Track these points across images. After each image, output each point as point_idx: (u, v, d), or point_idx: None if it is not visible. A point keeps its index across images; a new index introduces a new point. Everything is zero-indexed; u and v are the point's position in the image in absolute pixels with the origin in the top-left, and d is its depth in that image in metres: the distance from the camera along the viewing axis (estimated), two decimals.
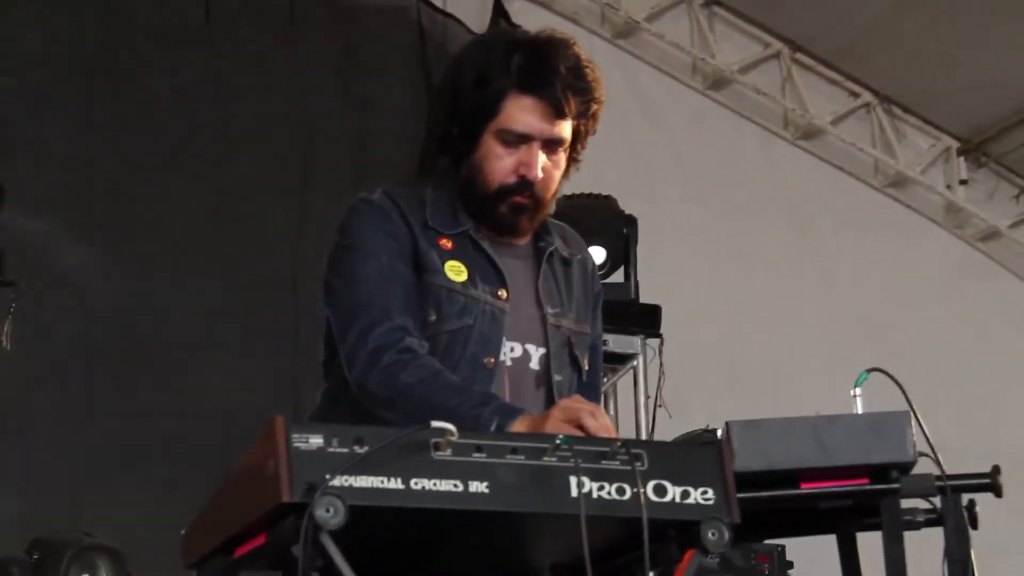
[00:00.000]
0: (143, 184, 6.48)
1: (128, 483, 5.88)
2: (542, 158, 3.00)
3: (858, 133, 8.19)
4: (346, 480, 2.36)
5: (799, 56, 8.11)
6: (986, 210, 8.32)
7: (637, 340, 6.29)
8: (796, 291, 7.72)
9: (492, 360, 2.98)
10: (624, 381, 6.37)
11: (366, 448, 2.40)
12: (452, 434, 2.44)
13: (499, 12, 7.45)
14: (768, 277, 7.71)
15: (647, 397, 6.27)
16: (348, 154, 6.89)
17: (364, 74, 7.08)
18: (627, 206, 6.45)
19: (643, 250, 6.41)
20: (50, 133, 6.40)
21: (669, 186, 7.70)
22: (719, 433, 3.27)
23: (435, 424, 2.50)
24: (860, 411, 3.30)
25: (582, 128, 3.05)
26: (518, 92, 2.99)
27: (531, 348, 3.04)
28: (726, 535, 2.53)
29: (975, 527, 3.33)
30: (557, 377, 3.05)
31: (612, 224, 6.31)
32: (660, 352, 6.25)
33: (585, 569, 2.46)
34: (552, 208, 3.11)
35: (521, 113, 2.98)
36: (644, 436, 6.18)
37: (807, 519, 3.48)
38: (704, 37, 7.99)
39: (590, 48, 7.68)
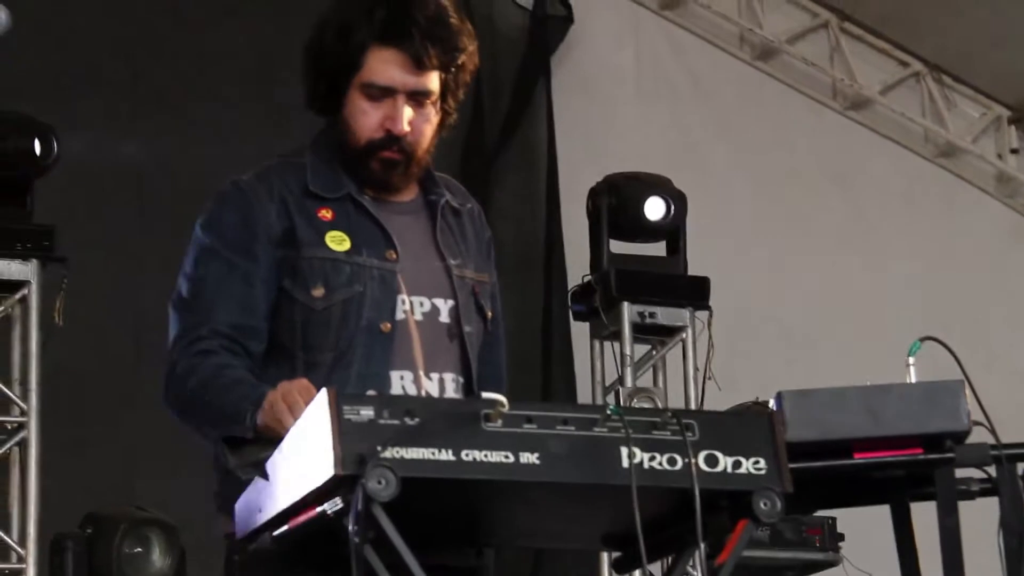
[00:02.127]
0: (188, 158, 6.49)
1: (181, 456, 5.89)
2: (408, 112, 2.95)
3: (907, 102, 8.12)
4: (397, 452, 2.37)
5: (847, 25, 8.04)
6: None
7: (686, 312, 6.27)
8: (846, 262, 7.68)
9: (388, 325, 2.93)
10: (673, 354, 6.34)
11: (417, 419, 2.40)
12: (503, 405, 2.44)
13: None
14: (817, 248, 7.67)
15: (696, 370, 6.24)
16: None
17: None
18: (675, 178, 6.43)
19: (692, 223, 6.38)
20: (93, 110, 6.42)
21: (718, 158, 7.67)
22: (771, 404, 3.26)
23: (486, 395, 2.50)
24: (913, 379, 3.27)
25: (451, 80, 2.99)
26: (379, 44, 2.92)
27: (439, 302, 2.99)
28: (778, 505, 2.52)
29: None
30: (467, 328, 3.01)
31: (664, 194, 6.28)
32: (709, 324, 6.23)
33: (637, 540, 2.46)
34: (428, 161, 3.04)
35: (382, 66, 2.93)
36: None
37: (860, 489, 3.46)
38: (752, 7, 7.93)
39: (636, 19, 7.75)
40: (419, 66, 2.93)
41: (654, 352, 6.37)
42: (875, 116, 8.11)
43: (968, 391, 3.22)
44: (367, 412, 2.40)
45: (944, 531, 3.21)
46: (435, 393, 2.93)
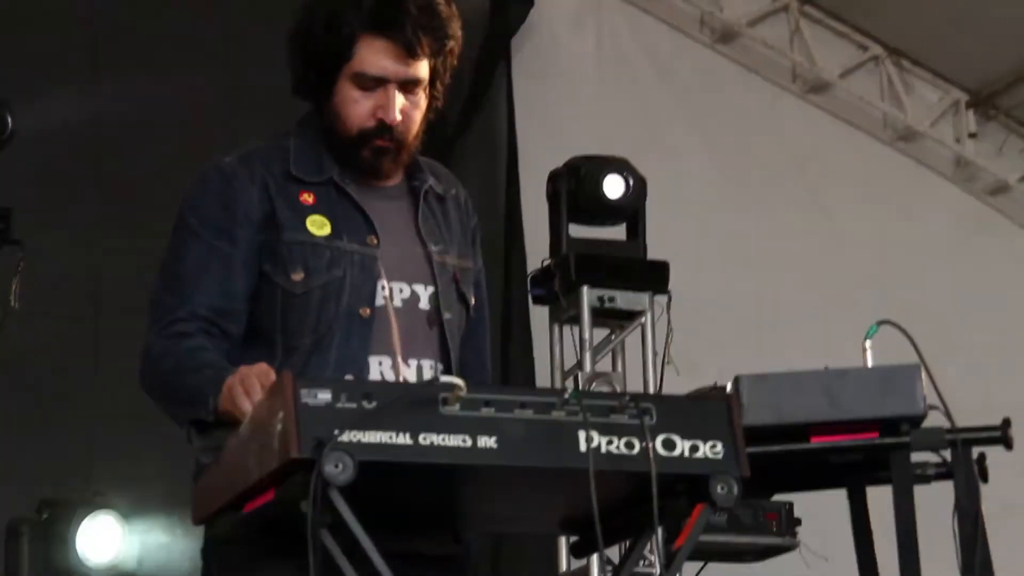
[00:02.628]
0: (151, 142, 6.46)
1: (140, 442, 5.88)
2: (400, 99, 2.96)
3: (867, 87, 8.14)
4: (355, 436, 2.37)
5: (807, 9, 8.05)
6: (995, 164, 8.27)
7: (645, 297, 6.26)
8: (805, 246, 7.70)
9: (367, 310, 2.95)
10: (632, 338, 6.34)
11: (375, 403, 2.40)
12: (461, 389, 2.44)
13: None
14: (777, 232, 7.68)
15: (655, 354, 6.25)
16: None
17: None
18: (636, 161, 6.43)
19: (652, 206, 6.38)
20: (54, 88, 6.38)
21: (677, 141, 7.67)
22: (728, 388, 3.27)
23: (444, 379, 2.50)
24: (870, 364, 3.29)
25: (439, 66, 3.01)
26: (370, 34, 2.93)
27: (419, 288, 3.01)
28: (735, 489, 2.54)
29: (985, 480, 3.33)
30: (447, 315, 3.03)
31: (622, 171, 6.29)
32: (668, 309, 6.23)
33: (594, 524, 2.46)
34: (416, 146, 3.06)
35: (374, 56, 2.93)
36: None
37: (817, 473, 3.48)
38: None
39: (596, 2, 7.73)
40: (411, 56, 2.94)
41: (613, 336, 6.37)
42: (834, 100, 8.13)
43: (924, 375, 3.24)
44: (324, 396, 2.39)
45: (900, 514, 3.23)
46: (412, 379, 2.94)
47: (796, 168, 7.91)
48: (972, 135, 8.23)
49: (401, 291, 2.99)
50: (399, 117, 2.96)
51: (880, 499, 3.45)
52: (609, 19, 7.75)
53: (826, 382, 3.23)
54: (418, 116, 3.01)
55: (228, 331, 2.94)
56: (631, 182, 6.19)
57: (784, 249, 7.63)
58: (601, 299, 6.17)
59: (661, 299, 6.25)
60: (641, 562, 5.34)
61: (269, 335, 2.95)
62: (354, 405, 2.39)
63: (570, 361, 6.27)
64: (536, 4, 7.40)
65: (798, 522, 5.96)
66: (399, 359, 2.95)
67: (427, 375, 2.96)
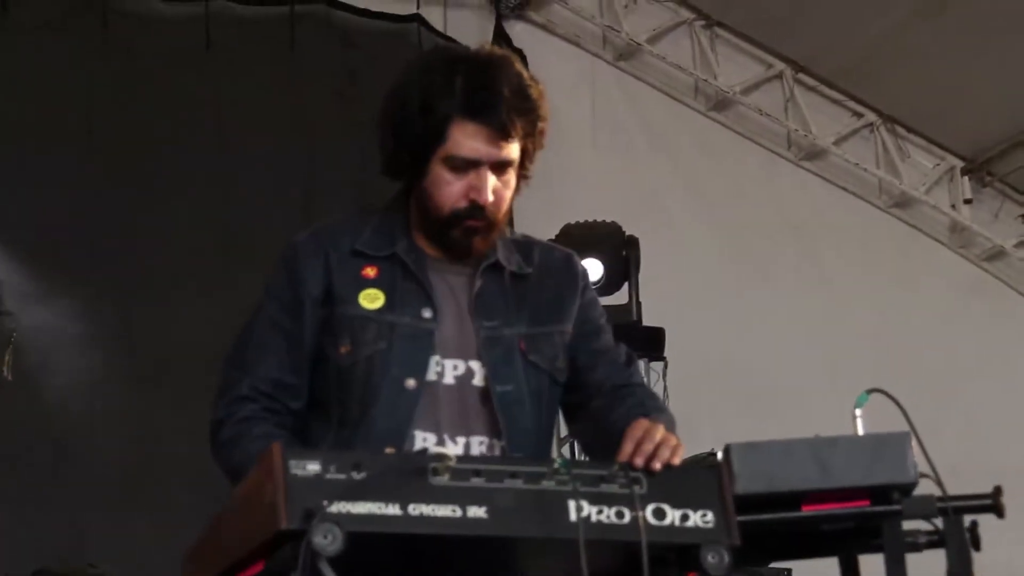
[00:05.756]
0: (144, 213, 6.50)
1: (131, 510, 5.88)
2: (492, 180, 2.97)
3: (862, 153, 8.19)
4: (344, 506, 2.36)
5: (802, 76, 8.11)
6: (991, 230, 8.31)
7: (640, 363, 6.28)
8: (801, 312, 7.71)
9: (413, 382, 2.96)
10: None
11: (364, 474, 2.40)
12: (450, 459, 2.44)
13: (500, 34, 7.47)
14: (773, 298, 7.70)
15: None
16: (350, 179, 6.90)
17: (365, 98, 7.10)
18: (630, 227, 6.45)
19: (646, 272, 6.40)
20: (50, 165, 6.41)
21: (672, 207, 7.71)
22: (719, 456, 3.26)
23: (433, 450, 2.50)
24: (861, 432, 3.28)
25: (530, 145, 3.02)
26: (464, 118, 2.94)
27: (474, 364, 3.01)
28: (726, 558, 2.53)
29: (977, 549, 3.31)
30: (503, 388, 3.01)
31: (612, 244, 6.29)
32: (664, 375, 6.24)
33: None
34: (505, 224, 3.08)
35: (468, 139, 2.94)
36: None
37: (809, 542, 3.47)
38: (706, 58, 7.99)
39: (591, 70, 7.78)
40: (504, 138, 2.96)
41: None
42: (829, 166, 8.17)
43: (915, 443, 3.23)
44: (313, 467, 2.39)
45: None
46: None
47: (792, 234, 7.94)
48: (967, 201, 8.27)
49: (456, 367, 3.00)
50: (492, 198, 2.97)
51: (873, 567, 3.43)
52: (604, 87, 7.81)
53: (817, 450, 3.22)
54: (508, 195, 3.03)
55: (288, 405, 2.99)
56: (607, 272, 6.18)
57: (781, 314, 7.65)
58: None
59: (657, 365, 6.25)
60: None
61: (326, 407, 3.00)
62: (343, 476, 2.39)
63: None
64: (531, 72, 7.43)
65: None
66: (445, 436, 2.96)
67: (475, 453, 2.96)
